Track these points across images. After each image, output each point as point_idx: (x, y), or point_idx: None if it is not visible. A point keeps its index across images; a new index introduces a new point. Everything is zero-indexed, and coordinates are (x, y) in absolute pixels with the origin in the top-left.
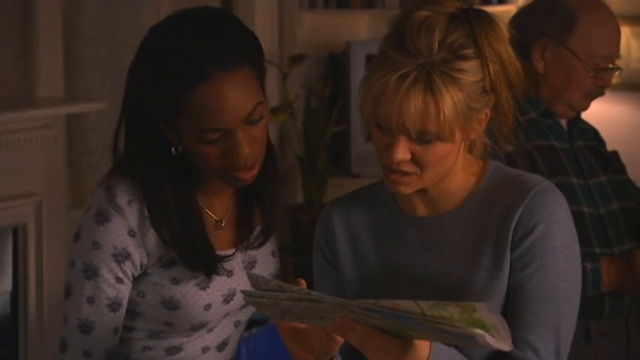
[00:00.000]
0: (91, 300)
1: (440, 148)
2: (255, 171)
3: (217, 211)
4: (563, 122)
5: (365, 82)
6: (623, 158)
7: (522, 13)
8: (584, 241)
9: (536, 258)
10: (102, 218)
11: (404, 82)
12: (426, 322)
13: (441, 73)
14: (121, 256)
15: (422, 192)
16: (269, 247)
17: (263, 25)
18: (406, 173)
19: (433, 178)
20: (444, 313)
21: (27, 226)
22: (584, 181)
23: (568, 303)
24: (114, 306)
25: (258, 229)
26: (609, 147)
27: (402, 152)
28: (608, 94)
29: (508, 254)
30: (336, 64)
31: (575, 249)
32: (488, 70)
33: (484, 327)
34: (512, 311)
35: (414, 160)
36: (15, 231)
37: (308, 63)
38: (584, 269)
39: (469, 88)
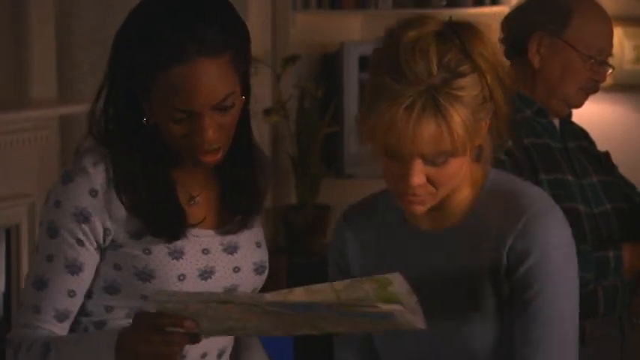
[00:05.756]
0: (50, 258)
1: (452, 164)
2: (219, 156)
3: (192, 188)
4: (556, 122)
5: (368, 114)
6: (616, 159)
7: (517, 10)
8: (579, 239)
9: (535, 282)
10: (66, 179)
11: (412, 111)
12: (342, 308)
13: (445, 95)
14: (81, 216)
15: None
16: (253, 236)
17: (256, 26)
18: (421, 194)
19: (446, 192)
20: (359, 292)
21: (20, 227)
22: (578, 180)
23: (569, 321)
24: (72, 268)
25: (239, 216)
26: (602, 148)
27: (419, 177)
28: (601, 94)
29: (504, 274)
30: (329, 64)
31: (573, 269)
32: (486, 80)
33: (399, 302)
34: (519, 329)
35: (429, 181)
36: (8, 232)
37: (301, 64)
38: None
39: (472, 103)
